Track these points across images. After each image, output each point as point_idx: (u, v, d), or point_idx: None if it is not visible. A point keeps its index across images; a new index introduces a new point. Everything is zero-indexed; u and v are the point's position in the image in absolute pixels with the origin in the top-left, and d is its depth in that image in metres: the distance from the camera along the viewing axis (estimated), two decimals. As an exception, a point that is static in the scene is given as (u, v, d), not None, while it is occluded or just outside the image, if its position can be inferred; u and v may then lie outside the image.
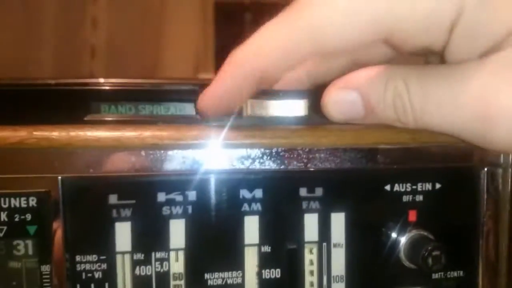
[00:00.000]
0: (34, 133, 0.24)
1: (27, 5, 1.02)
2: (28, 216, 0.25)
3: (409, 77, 0.24)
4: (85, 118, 0.26)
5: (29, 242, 0.25)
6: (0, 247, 0.25)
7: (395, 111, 0.25)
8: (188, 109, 0.30)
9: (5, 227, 0.25)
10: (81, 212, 0.25)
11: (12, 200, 0.25)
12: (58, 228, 0.25)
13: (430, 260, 0.26)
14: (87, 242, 0.26)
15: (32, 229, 0.25)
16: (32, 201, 0.25)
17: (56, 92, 0.26)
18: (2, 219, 0.25)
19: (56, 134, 0.24)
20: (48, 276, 0.25)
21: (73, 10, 1.06)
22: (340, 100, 0.25)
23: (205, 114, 0.26)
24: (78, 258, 0.25)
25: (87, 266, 0.26)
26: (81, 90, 0.26)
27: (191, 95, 0.26)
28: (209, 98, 0.25)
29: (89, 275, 0.26)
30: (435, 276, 0.28)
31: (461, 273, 0.29)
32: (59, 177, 0.25)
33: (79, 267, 0.26)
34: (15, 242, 0.25)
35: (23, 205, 0.25)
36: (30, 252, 0.25)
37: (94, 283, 0.26)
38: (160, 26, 1.09)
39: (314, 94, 0.27)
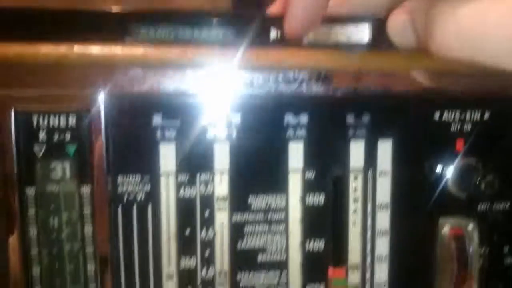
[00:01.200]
0: (75, 48, 0.23)
1: None
2: (68, 135, 0.24)
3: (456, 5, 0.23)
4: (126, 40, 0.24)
5: (68, 162, 0.24)
6: (39, 167, 0.24)
7: (440, 36, 0.23)
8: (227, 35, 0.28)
9: (43, 147, 0.24)
10: (123, 131, 0.24)
11: (52, 118, 0.24)
12: (99, 148, 0.24)
13: (483, 186, 0.25)
14: (129, 163, 0.25)
15: (71, 148, 0.24)
16: (72, 119, 0.24)
17: (95, 14, 0.24)
18: (40, 139, 0.24)
19: (97, 49, 0.23)
20: (88, 198, 0.25)
21: None
22: (395, 25, 0.25)
23: (295, 35, 0.25)
24: (120, 179, 0.25)
25: (130, 188, 0.25)
26: (120, 13, 0.24)
27: (229, 21, 0.25)
28: (293, 19, 0.24)
29: (131, 196, 0.25)
30: (481, 207, 0.28)
31: (508, 205, 0.28)
32: (101, 94, 0.24)
33: (121, 189, 0.25)
34: (53, 162, 0.24)
35: (62, 123, 0.24)
36: (69, 172, 0.24)
37: (136, 205, 0.25)
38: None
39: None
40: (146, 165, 0.25)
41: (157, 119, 0.24)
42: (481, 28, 0.20)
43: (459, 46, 0.21)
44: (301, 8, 0.24)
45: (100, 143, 0.24)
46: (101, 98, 0.24)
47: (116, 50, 0.23)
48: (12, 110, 0.23)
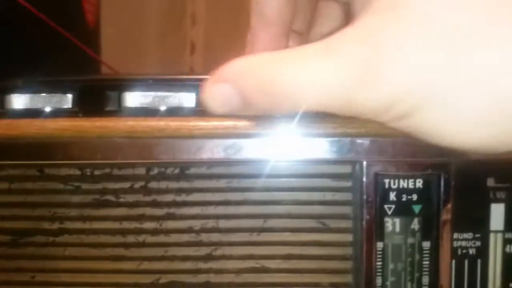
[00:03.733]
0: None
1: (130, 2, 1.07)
2: (414, 196, 0.28)
3: (280, 62, 0.22)
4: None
5: (414, 220, 0.28)
6: (388, 223, 0.28)
7: (272, 99, 0.22)
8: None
9: (393, 206, 0.28)
10: (462, 193, 0.28)
11: (401, 181, 0.28)
12: (442, 208, 0.28)
13: None
14: (464, 221, 0.28)
15: (417, 208, 0.28)
16: (419, 183, 0.28)
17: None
18: (390, 199, 0.28)
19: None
20: (427, 252, 0.28)
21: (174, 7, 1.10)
22: (217, 95, 0.24)
23: None
24: (455, 235, 0.28)
25: (463, 243, 0.28)
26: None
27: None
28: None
29: (464, 251, 0.28)
30: None
31: None
32: (445, 163, 0.27)
33: (455, 244, 0.28)
34: (401, 219, 0.28)
35: (410, 186, 0.28)
36: (416, 227, 0.28)
37: (468, 259, 0.28)
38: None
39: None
40: (478, 224, 0.28)
41: (490, 182, 0.28)
42: None
43: None
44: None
45: (443, 204, 0.27)
46: (441, 167, 0.27)
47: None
48: (373, 172, 0.27)
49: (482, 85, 0.18)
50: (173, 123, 0.27)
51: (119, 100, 0.30)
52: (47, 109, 0.31)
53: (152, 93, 0.30)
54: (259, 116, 0.25)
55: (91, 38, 0.83)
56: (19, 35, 0.57)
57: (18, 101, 0.31)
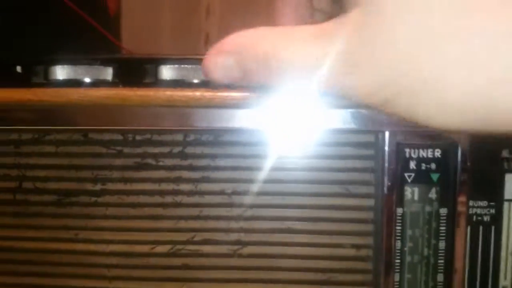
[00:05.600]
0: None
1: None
2: (433, 165, 0.30)
3: (280, 37, 0.23)
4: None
5: (432, 188, 0.30)
6: (408, 191, 0.30)
7: (270, 73, 0.23)
8: None
9: (412, 174, 0.30)
10: (478, 163, 0.29)
11: (421, 151, 0.29)
12: (457, 177, 0.29)
13: None
14: (479, 190, 0.30)
15: (435, 176, 0.30)
16: (437, 153, 0.29)
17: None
18: (410, 167, 0.30)
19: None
20: (444, 218, 0.30)
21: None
22: (218, 65, 0.25)
23: None
24: (471, 203, 0.30)
25: (478, 211, 0.30)
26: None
27: None
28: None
29: (479, 218, 0.30)
30: None
31: None
32: (468, 134, 0.29)
33: (471, 211, 0.30)
34: (420, 187, 0.29)
35: (429, 155, 0.29)
36: (433, 196, 0.30)
37: (482, 226, 0.30)
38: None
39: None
40: (493, 192, 0.30)
41: (505, 153, 0.29)
42: None
43: None
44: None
45: (459, 173, 0.29)
46: (459, 136, 0.29)
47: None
48: (395, 142, 0.29)
49: (465, 73, 0.19)
50: (207, 94, 0.29)
51: (156, 73, 0.32)
52: (89, 80, 0.33)
53: (187, 66, 0.32)
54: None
55: (112, 25, 0.85)
56: (46, 19, 0.60)
57: (62, 72, 0.33)
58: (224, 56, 0.24)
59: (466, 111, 0.19)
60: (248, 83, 0.25)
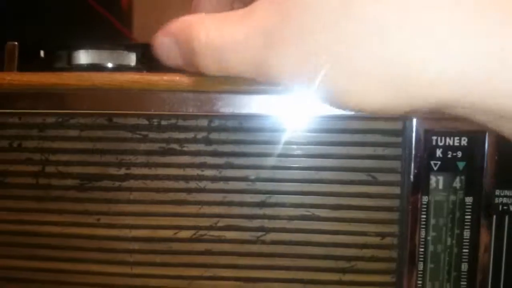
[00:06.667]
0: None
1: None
2: (459, 154, 0.29)
3: (209, 22, 0.23)
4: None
5: (458, 176, 0.29)
6: (433, 179, 0.29)
7: (203, 59, 0.23)
8: None
9: (439, 162, 0.29)
10: (504, 152, 0.29)
11: (447, 139, 0.29)
12: (484, 165, 0.29)
13: None
14: (506, 179, 0.29)
15: (461, 164, 0.29)
16: (464, 141, 0.29)
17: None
18: (437, 155, 0.29)
19: None
20: (470, 207, 0.29)
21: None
22: (162, 46, 0.25)
23: None
24: (497, 192, 0.29)
25: (504, 200, 0.29)
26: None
27: None
28: None
29: (505, 207, 0.29)
30: None
31: None
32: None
33: (497, 200, 0.29)
34: (445, 176, 0.29)
35: (456, 143, 0.29)
36: (458, 185, 0.29)
37: (508, 215, 0.30)
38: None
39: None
40: (519, 182, 0.30)
41: (532, 143, 0.29)
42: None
43: None
44: None
45: (485, 162, 0.29)
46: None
47: None
48: (423, 129, 0.29)
49: (377, 40, 0.19)
50: (233, 79, 0.28)
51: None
52: (111, 65, 0.33)
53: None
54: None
55: (124, 18, 0.85)
56: (59, 10, 0.60)
57: (85, 57, 0.33)
58: (168, 37, 0.24)
59: (383, 81, 0.19)
60: (186, 68, 0.25)
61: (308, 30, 0.20)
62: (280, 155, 0.30)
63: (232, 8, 0.33)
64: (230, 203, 0.30)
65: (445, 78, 0.18)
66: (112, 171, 0.30)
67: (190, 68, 0.25)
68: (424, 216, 0.29)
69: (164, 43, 0.25)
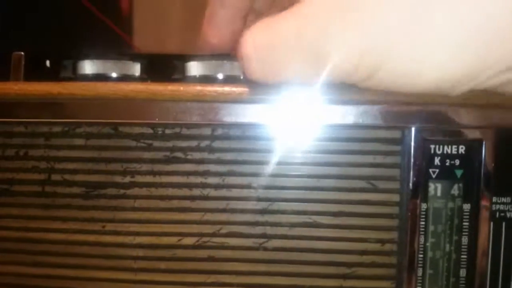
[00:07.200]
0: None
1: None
2: (457, 161, 0.30)
3: (257, 28, 0.25)
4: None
5: (456, 184, 0.30)
6: (432, 187, 0.30)
7: (250, 64, 0.25)
8: None
9: (437, 170, 0.30)
10: (502, 159, 0.30)
11: (445, 147, 0.30)
12: (481, 173, 0.30)
13: None
14: (503, 186, 0.30)
15: (459, 172, 0.30)
16: (461, 149, 0.30)
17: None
18: (435, 163, 0.30)
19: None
20: (467, 214, 0.30)
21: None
22: (252, 67, 0.26)
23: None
24: (494, 199, 0.30)
25: (501, 207, 0.30)
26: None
27: None
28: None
29: (502, 214, 0.30)
30: None
31: None
32: (494, 129, 0.29)
33: (494, 207, 0.30)
34: (444, 183, 0.30)
35: (454, 151, 0.30)
36: (456, 192, 0.30)
37: (505, 222, 0.30)
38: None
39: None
40: (516, 188, 0.30)
41: (527, 150, 0.30)
42: None
43: None
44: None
45: (482, 169, 0.30)
46: (484, 134, 0.30)
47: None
48: (422, 138, 0.29)
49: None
50: (236, 89, 0.29)
51: (184, 69, 0.33)
52: (116, 75, 0.34)
53: (213, 62, 0.32)
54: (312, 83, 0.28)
55: (125, 25, 0.86)
56: (60, 18, 0.60)
57: (90, 66, 0.33)
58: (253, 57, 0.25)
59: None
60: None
61: (368, 15, 0.21)
62: (282, 163, 0.30)
63: (245, 22, 0.33)
64: (233, 210, 0.30)
65: None
66: (117, 179, 0.31)
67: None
68: (423, 223, 0.30)
69: (251, 63, 0.26)
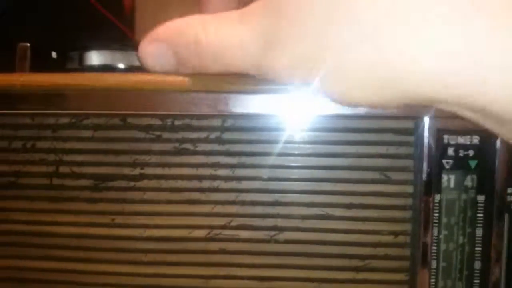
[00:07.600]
0: None
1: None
2: (471, 152, 0.30)
3: (208, 23, 0.24)
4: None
5: (470, 175, 0.30)
6: (445, 178, 0.30)
7: (200, 58, 0.24)
8: None
9: (451, 161, 0.30)
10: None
11: (459, 137, 0.29)
12: (495, 164, 0.29)
13: None
14: (517, 177, 0.30)
15: (473, 163, 0.30)
16: (475, 139, 0.29)
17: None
18: (449, 154, 0.30)
19: None
20: (482, 205, 0.30)
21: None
22: (152, 53, 0.25)
23: None
24: (509, 190, 0.30)
25: (516, 198, 0.30)
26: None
27: None
28: None
29: (517, 206, 0.30)
30: None
31: None
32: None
33: (509, 198, 0.30)
34: (457, 174, 0.29)
35: (467, 142, 0.29)
36: (470, 183, 0.30)
37: (520, 213, 0.30)
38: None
39: None
40: (529, 179, 0.30)
41: (543, 141, 0.29)
42: None
43: None
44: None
45: (497, 160, 0.29)
46: (499, 123, 0.29)
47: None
48: (435, 128, 0.29)
49: (361, 56, 0.20)
50: (244, 79, 0.29)
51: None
52: (123, 66, 0.33)
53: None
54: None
55: (128, 23, 0.86)
56: (62, 13, 0.60)
57: (97, 57, 0.33)
58: (158, 43, 0.25)
59: (372, 83, 0.20)
60: (182, 70, 0.25)
61: (301, 34, 0.21)
62: (293, 154, 0.30)
63: (239, 5, 0.33)
64: (244, 202, 0.30)
65: (431, 77, 0.19)
66: (126, 171, 0.30)
67: (186, 70, 0.25)
68: (437, 215, 0.30)
69: (153, 50, 0.25)
